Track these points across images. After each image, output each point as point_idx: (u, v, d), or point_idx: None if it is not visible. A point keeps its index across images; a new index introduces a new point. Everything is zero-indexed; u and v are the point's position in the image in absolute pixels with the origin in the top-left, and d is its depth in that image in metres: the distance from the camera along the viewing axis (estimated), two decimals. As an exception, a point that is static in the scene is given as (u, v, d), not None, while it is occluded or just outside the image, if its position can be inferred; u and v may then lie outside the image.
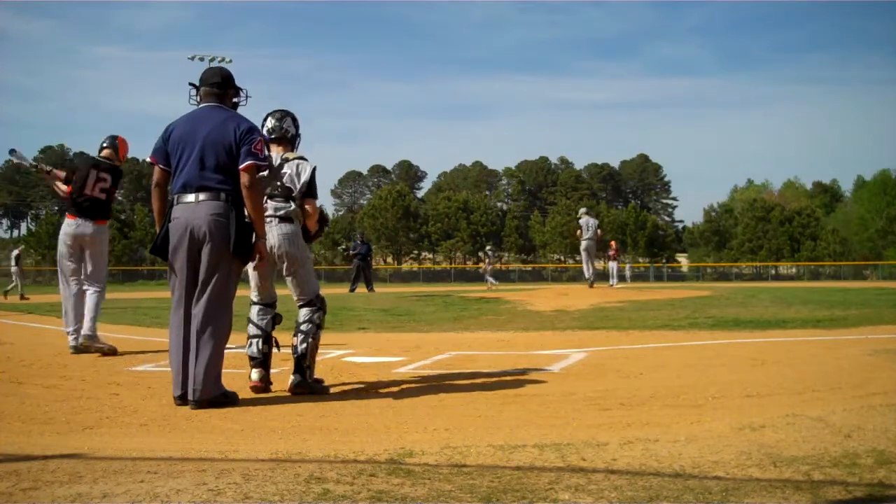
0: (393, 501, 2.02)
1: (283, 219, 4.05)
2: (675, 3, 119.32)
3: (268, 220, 4.00)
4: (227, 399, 3.70)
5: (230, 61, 35.26)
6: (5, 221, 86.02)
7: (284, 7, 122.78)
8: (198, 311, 3.66)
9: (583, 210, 16.91)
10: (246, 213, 3.78)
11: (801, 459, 2.40)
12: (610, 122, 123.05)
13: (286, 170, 4.11)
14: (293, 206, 4.09)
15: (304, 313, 4.11)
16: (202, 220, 3.67)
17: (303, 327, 4.07)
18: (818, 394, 3.72)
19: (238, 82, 4.02)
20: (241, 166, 3.70)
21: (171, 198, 3.80)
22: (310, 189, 4.16)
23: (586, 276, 15.98)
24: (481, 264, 35.93)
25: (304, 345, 4.03)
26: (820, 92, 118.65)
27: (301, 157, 4.20)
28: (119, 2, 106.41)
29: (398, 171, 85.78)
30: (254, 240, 3.78)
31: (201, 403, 3.59)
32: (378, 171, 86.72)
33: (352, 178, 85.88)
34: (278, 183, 4.08)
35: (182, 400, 3.66)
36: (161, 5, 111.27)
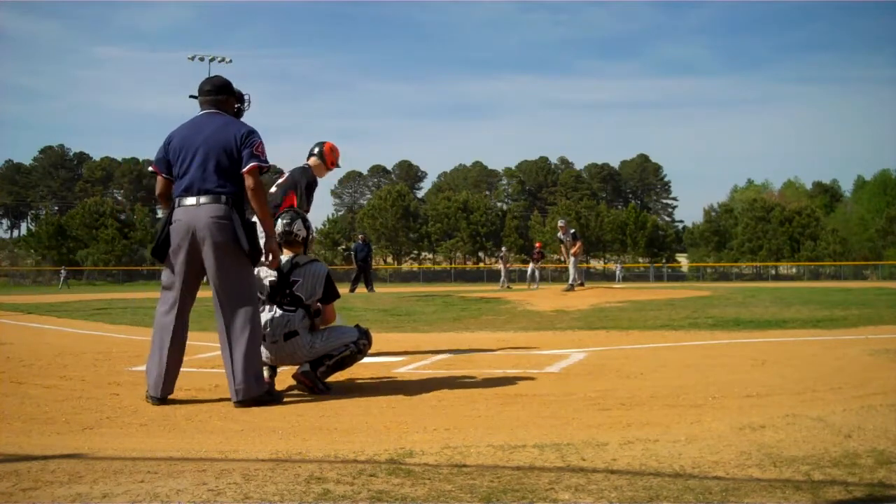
0: (393, 501, 2.01)
1: (289, 335, 3.99)
2: (677, 4, 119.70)
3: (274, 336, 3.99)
4: (272, 398, 3.70)
5: (230, 61, 35.27)
6: (5, 221, 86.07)
7: (286, 7, 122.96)
8: (221, 314, 3.68)
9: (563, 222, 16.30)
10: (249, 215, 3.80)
11: (801, 459, 2.39)
12: (610, 122, 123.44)
13: (297, 277, 4.05)
14: (297, 316, 4.01)
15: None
16: (203, 223, 3.67)
17: (351, 346, 4.10)
18: (818, 394, 3.72)
19: (239, 83, 4.04)
20: (244, 169, 3.71)
21: (173, 200, 3.80)
22: (325, 294, 4.11)
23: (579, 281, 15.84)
24: (497, 263, 36.59)
25: (341, 351, 4.05)
26: (820, 92, 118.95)
27: (311, 260, 4.16)
28: (120, 2, 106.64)
29: (398, 171, 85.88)
30: (264, 239, 3.80)
31: (245, 402, 3.58)
32: (378, 171, 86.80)
33: (352, 178, 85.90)
34: (287, 291, 4.02)
35: (159, 402, 3.66)
36: (162, 5, 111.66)
